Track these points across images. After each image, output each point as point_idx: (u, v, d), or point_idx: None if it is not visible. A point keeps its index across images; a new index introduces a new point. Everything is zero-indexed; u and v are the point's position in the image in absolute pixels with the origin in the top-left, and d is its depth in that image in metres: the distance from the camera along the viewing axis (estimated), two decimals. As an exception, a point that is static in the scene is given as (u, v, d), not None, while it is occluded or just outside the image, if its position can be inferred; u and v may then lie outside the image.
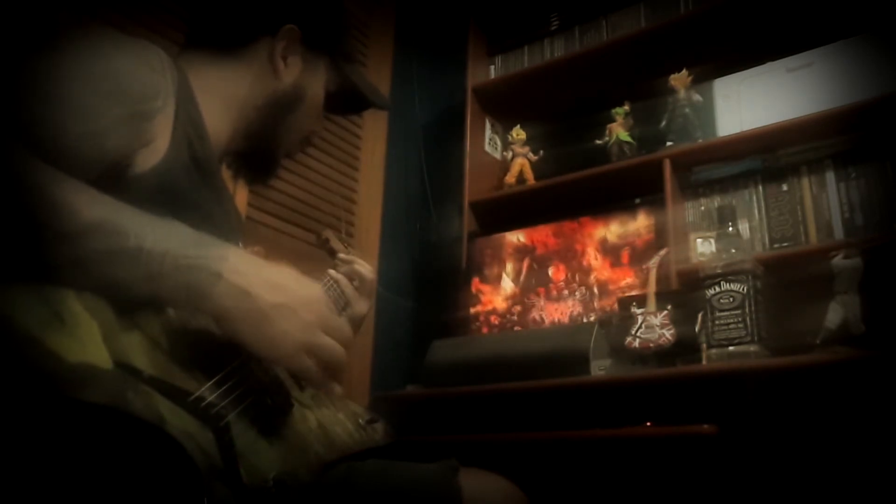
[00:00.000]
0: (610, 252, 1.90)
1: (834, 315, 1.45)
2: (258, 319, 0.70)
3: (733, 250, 1.59)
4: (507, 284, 2.03)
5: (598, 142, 2.05)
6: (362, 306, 1.19)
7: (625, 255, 1.86)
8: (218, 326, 0.70)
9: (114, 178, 0.73)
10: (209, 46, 0.96)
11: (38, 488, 0.55)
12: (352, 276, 1.18)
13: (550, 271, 1.97)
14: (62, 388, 0.56)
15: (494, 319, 2.00)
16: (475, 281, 2.08)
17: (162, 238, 0.67)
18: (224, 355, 0.71)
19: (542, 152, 2.20)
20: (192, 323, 0.70)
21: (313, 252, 1.97)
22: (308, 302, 0.74)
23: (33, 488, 0.55)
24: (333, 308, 0.80)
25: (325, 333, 0.74)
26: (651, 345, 1.62)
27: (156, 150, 0.79)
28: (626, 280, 1.83)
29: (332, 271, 1.17)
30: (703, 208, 1.91)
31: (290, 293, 0.73)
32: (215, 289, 0.68)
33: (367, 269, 1.20)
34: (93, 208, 0.64)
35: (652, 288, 1.70)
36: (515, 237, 2.07)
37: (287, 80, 0.98)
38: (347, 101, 1.11)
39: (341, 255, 1.22)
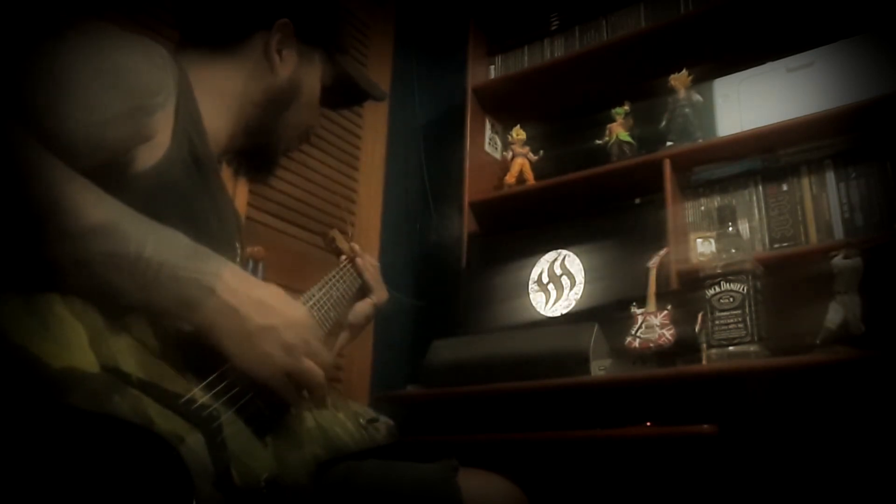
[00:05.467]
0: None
1: (834, 315, 1.45)
2: (244, 339, 0.72)
3: (733, 250, 1.59)
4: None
5: (598, 142, 2.05)
6: (383, 292, 1.28)
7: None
8: (205, 338, 0.71)
9: (115, 176, 0.73)
10: (204, 44, 0.96)
11: (27, 493, 0.55)
12: (362, 274, 1.25)
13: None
14: (47, 393, 0.56)
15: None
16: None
17: (162, 247, 0.67)
18: (217, 357, 0.71)
19: (542, 152, 2.20)
20: (183, 326, 0.70)
21: (313, 252, 1.97)
22: (294, 325, 0.76)
23: (21, 493, 0.54)
24: (318, 331, 0.83)
25: (307, 356, 0.77)
26: (651, 345, 1.62)
27: (156, 146, 0.79)
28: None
29: (358, 259, 1.25)
30: (703, 208, 1.91)
31: (278, 315, 0.75)
32: (207, 304, 0.69)
33: (375, 262, 1.29)
34: (98, 209, 0.64)
35: (652, 288, 1.70)
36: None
37: (283, 75, 0.98)
38: (343, 94, 1.11)
39: (353, 246, 1.27)
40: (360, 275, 1.24)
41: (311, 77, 1.02)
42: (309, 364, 0.77)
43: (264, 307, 0.74)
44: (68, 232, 0.62)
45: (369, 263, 1.27)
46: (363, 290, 1.26)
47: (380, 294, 1.28)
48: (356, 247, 1.28)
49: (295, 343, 0.76)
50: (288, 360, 0.75)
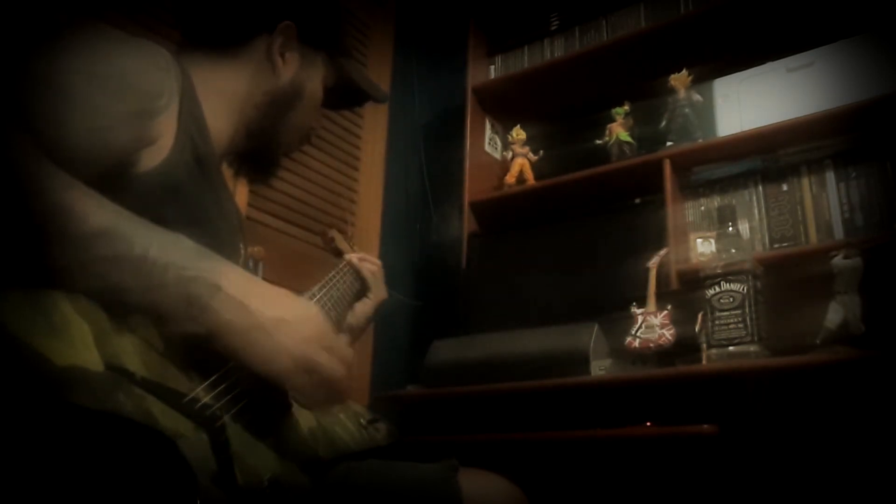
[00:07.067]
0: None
1: (834, 315, 1.45)
2: (255, 333, 0.69)
3: (733, 250, 1.59)
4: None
5: (598, 142, 2.05)
6: (382, 291, 1.28)
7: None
8: (213, 342, 0.69)
9: (118, 177, 0.73)
10: (207, 46, 0.96)
11: (30, 491, 0.55)
12: (361, 273, 1.25)
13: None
14: (51, 390, 0.55)
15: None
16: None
17: (166, 248, 0.67)
18: (221, 356, 0.71)
19: (542, 152, 2.20)
20: (191, 329, 0.70)
21: (313, 252, 1.97)
22: (306, 319, 0.74)
23: (25, 491, 0.54)
24: (333, 327, 0.79)
25: (325, 351, 0.74)
26: (651, 345, 1.62)
27: (160, 148, 0.79)
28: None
29: (350, 257, 1.25)
30: (703, 208, 1.91)
31: (287, 309, 0.73)
32: (214, 301, 0.68)
33: (375, 261, 1.29)
34: (100, 215, 0.64)
35: (652, 288, 1.70)
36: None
37: (285, 77, 0.98)
38: (345, 95, 1.11)
39: (354, 250, 1.29)
40: (358, 274, 1.24)
41: (314, 80, 1.03)
42: (326, 357, 0.74)
43: (273, 302, 0.72)
44: (72, 237, 0.62)
45: (371, 263, 1.28)
46: (362, 290, 1.26)
47: (378, 293, 1.28)
48: (356, 251, 1.29)
49: (310, 335, 0.73)
50: (305, 352, 0.72)
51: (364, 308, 1.26)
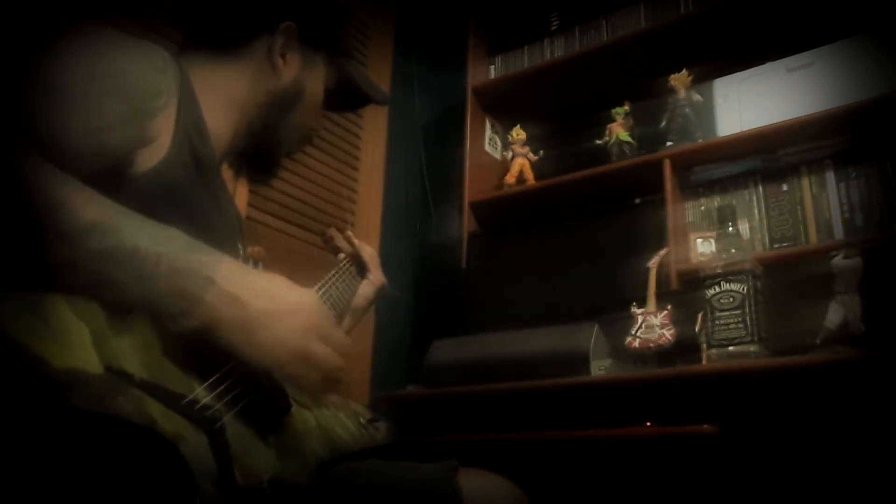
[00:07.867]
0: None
1: (834, 315, 1.45)
2: (249, 326, 0.70)
3: (733, 250, 1.59)
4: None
5: (598, 142, 2.05)
6: (380, 276, 1.31)
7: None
8: (208, 335, 0.69)
9: (115, 177, 0.73)
10: (207, 46, 0.96)
11: (29, 494, 0.54)
12: (360, 256, 1.29)
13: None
14: (50, 393, 0.55)
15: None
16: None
17: (159, 240, 0.67)
18: (221, 356, 0.71)
19: (542, 152, 2.20)
20: (185, 323, 0.70)
21: (313, 252, 1.97)
22: (301, 308, 0.74)
23: (24, 494, 0.54)
24: (331, 316, 0.79)
25: (321, 340, 0.74)
26: (651, 345, 1.62)
27: (157, 149, 0.79)
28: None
29: (349, 235, 1.30)
30: (703, 208, 1.91)
31: (283, 300, 0.73)
32: (207, 294, 0.68)
33: (372, 250, 1.33)
34: (91, 208, 0.64)
35: (652, 288, 1.70)
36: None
37: (286, 78, 0.98)
38: (346, 97, 1.11)
39: (349, 235, 1.31)
40: (357, 254, 1.28)
41: (315, 80, 1.03)
42: (323, 347, 0.74)
43: (267, 294, 0.72)
44: (64, 232, 0.62)
45: (367, 248, 1.31)
46: (362, 272, 1.29)
47: (378, 276, 1.31)
48: (350, 235, 1.31)
49: (306, 325, 0.73)
50: (301, 343, 0.72)
51: (365, 291, 1.28)
